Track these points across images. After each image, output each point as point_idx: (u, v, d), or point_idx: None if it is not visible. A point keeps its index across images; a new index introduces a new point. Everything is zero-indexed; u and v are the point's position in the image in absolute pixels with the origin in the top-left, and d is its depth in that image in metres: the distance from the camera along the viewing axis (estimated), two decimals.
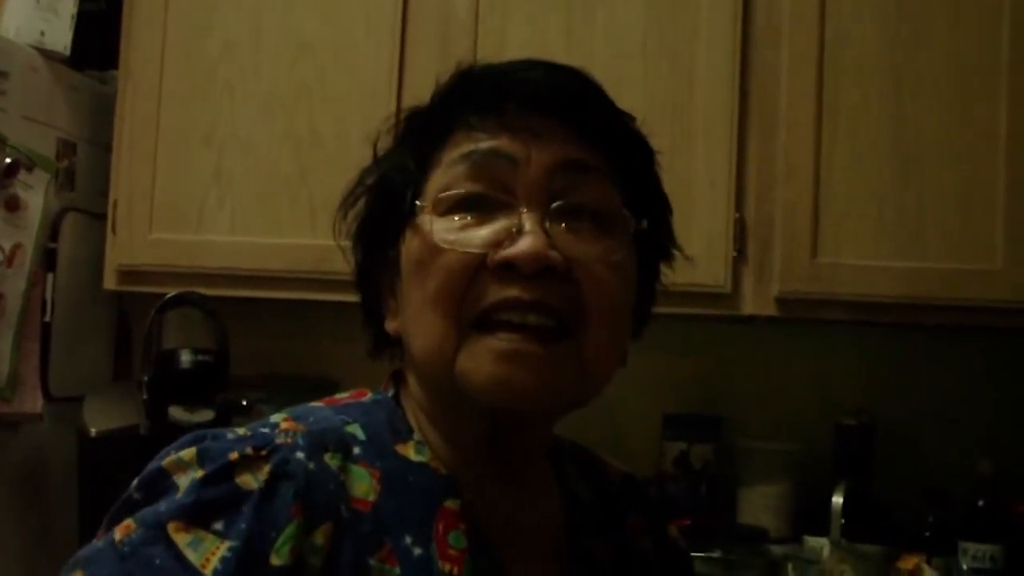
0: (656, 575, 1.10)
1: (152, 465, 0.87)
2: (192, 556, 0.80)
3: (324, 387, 2.30)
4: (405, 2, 2.39)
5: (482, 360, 0.88)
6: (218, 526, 0.82)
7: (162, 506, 0.83)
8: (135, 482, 0.87)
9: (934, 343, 2.55)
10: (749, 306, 2.28)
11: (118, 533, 0.82)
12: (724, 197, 2.27)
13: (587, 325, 0.91)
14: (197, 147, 2.41)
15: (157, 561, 0.80)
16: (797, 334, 2.59)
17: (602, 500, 1.08)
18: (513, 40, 2.34)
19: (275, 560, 0.82)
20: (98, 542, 0.83)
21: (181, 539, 0.81)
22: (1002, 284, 2.18)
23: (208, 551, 0.81)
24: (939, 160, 2.22)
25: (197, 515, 0.82)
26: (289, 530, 0.83)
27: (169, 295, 2.19)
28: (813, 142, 2.25)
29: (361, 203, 1.01)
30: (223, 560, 0.80)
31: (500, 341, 0.88)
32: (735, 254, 2.27)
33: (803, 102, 2.26)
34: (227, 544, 0.81)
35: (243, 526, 0.82)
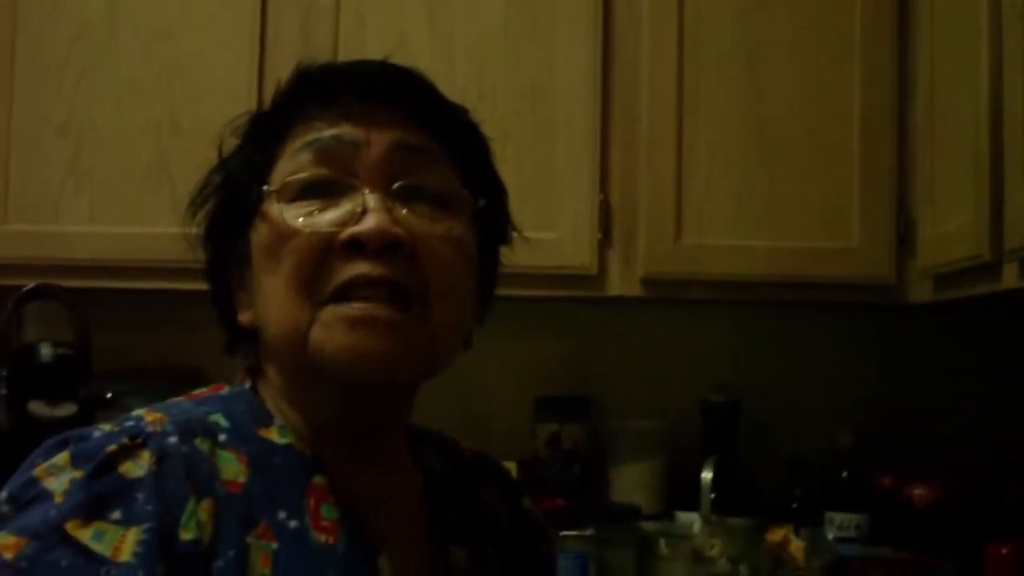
0: (513, 545, 1.13)
1: (19, 476, 0.86)
2: (99, 548, 0.81)
3: (190, 378, 2.26)
4: None
5: (335, 329, 0.91)
6: (115, 515, 0.82)
7: (49, 512, 0.82)
8: (2, 495, 0.85)
9: (795, 320, 2.62)
10: (615, 287, 2.31)
11: (8, 553, 0.80)
12: (588, 180, 2.29)
13: (430, 300, 0.94)
14: (52, 137, 2.34)
15: (63, 563, 0.80)
16: (663, 314, 2.63)
17: (456, 475, 1.12)
18: (374, 24, 2.33)
19: (185, 535, 0.84)
20: None
21: (83, 535, 0.81)
22: (859, 261, 2.25)
23: (114, 540, 0.81)
24: (796, 142, 2.28)
25: (92, 509, 0.82)
26: (190, 506, 0.85)
27: (26, 288, 2.13)
28: (675, 125, 2.28)
29: (211, 202, 1.03)
30: (142, 543, 0.81)
31: (351, 309, 0.91)
32: (600, 236, 2.29)
33: (664, 86, 2.29)
34: (136, 528, 0.82)
35: (150, 508, 0.83)
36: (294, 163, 0.96)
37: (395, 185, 0.94)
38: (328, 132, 0.96)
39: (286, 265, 0.93)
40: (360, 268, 0.91)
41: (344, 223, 0.92)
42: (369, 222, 0.91)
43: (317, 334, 0.91)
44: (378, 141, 0.95)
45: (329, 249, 0.92)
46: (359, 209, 0.92)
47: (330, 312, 0.91)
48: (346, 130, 0.96)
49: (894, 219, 2.24)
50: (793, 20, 2.29)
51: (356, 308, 0.91)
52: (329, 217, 0.93)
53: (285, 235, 0.93)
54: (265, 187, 0.96)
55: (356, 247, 0.91)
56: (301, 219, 0.93)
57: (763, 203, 2.27)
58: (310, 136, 0.96)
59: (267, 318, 0.96)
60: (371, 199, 0.93)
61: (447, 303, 0.95)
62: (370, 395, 0.96)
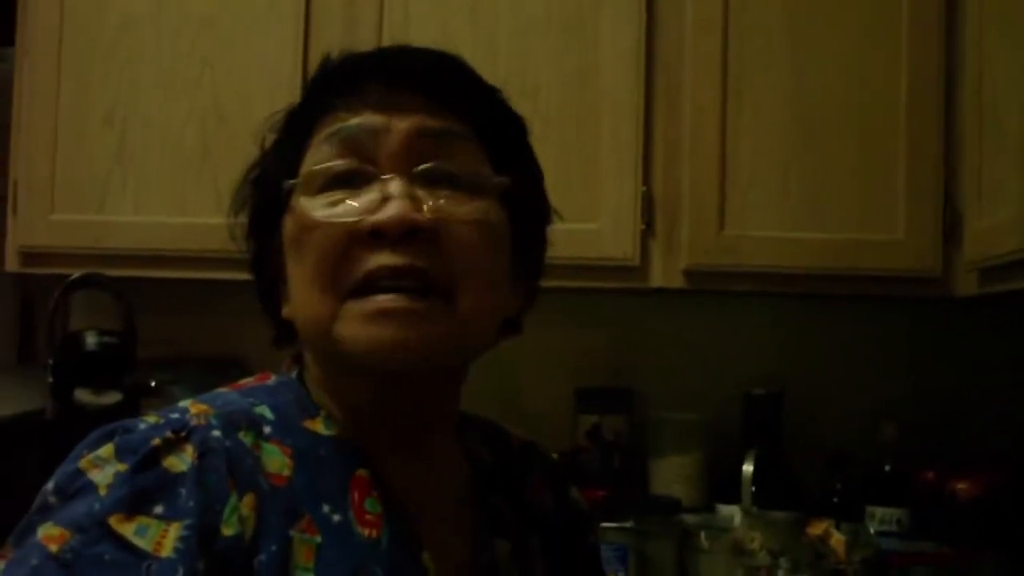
0: (559, 533, 1.13)
1: (66, 467, 0.86)
2: (141, 543, 0.81)
3: (233, 366, 2.28)
4: None
5: (355, 324, 0.91)
6: (158, 510, 0.83)
7: (93, 505, 0.82)
8: (49, 486, 0.86)
9: (839, 312, 2.60)
10: (657, 279, 2.30)
11: (52, 545, 0.81)
12: (631, 170, 2.28)
13: (457, 284, 0.93)
14: (98, 125, 2.36)
15: (107, 557, 0.80)
16: (705, 305, 2.62)
17: (504, 463, 1.12)
18: (418, 15, 2.32)
19: (226, 531, 0.84)
20: (31, 560, 0.81)
21: (126, 529, 0.81)
22: (904, 253, 2.23)
23: (156, 535, 0.82)
24: (841, 133, 2.26)
25: (135, 504, 0.83)
26: (232, 501, 0.85)
27: (73, 277, 2.16)
28: (718, 115, 2.27)
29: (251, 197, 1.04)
30: (183, 539, 0.82)
31: (369, 303, 0.91)
32: (643, 227, 2.28)
33: (708, 76, 2.28)
34: (178, 524, 0.82)
35: (191, 503, 0.84)
36: (318, 155, 0.96)
37: (416, 169, 0.94)
38: (351, 121, 0.95)
39: (310, 257, 0.93)
40: (382, 259, 0.91)
41: (366, 212, 0.92)
42: (389, 210, 0.91)
43: (339, 329, 0.91)
44: (398, 127, 0.95)
45: (352, 240, 0.92)
46: (381, 197, 0.92)
47: (350, 308, 0.91)
48: (367, 118, 0.95)
49: (940, 211, 2.21)
50: (838, 6, 2.27)
51: (374, 302, 0.90)
52: (351, 207, 0.93)
53: (308, 227, 0.94)
54: (289, 181, 0.96)
55: (378, 236, 0.91)
56: (324, 211, 0.93)
57: (807, 194, 2.25)
58: (333, 127, 0.96)
59: (297, 309, 0.96)
60: (393, 186, 0.92)
61: (474, 286, 0.94)
62: (403, 383, 0.95)
